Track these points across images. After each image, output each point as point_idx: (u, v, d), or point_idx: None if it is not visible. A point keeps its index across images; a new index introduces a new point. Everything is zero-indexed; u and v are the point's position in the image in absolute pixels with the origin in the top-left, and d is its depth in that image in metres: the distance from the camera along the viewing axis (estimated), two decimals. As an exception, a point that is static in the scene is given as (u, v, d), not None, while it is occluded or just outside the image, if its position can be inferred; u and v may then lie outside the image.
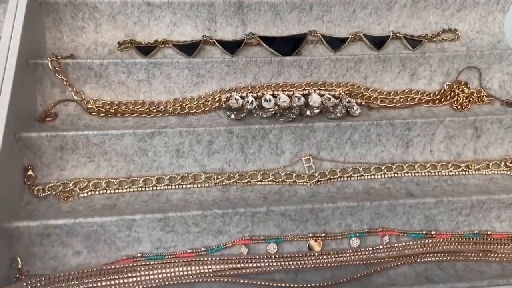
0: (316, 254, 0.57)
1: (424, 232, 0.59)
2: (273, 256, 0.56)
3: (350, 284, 0.53)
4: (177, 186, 0.61)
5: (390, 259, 0.57)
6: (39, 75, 0.63)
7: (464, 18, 0.78)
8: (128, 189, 0.60)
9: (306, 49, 0.74)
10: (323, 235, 0.58)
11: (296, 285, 0.53)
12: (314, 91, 0.68)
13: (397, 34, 0.76)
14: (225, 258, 0.55)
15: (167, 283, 0.53)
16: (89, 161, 0.61)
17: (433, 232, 0.59)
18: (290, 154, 0.64)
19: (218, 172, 0.63)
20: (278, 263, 0.56)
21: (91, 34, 0.70)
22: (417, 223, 0.59)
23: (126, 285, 0.53)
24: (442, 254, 0.57)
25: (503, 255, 0.58)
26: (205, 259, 0.55)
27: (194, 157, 0.62)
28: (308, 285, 0.53)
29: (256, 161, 0.64)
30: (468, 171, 0.65)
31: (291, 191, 0.62)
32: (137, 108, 0.66)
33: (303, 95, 0.67)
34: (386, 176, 0.64)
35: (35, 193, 0.58)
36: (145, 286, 0.53)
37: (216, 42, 0.72)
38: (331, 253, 0.57)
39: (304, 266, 0.55)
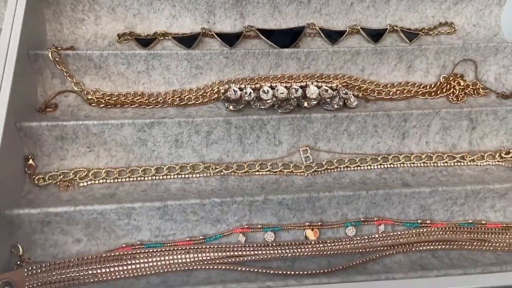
0: (313, 242, 0.58)
1: (419, 221, 0.60)
2: (270, 244, 0.57)
3: (345, 272, 0.54)
4: (176, 176, 0.62)
5: (385, 248, 0.58)
6: (40, 66, 0.64)
7: (460, 11, 0.79)
8: (127, 179, 0.61)
9: (304, 42, 0.75)
10: (319, 224, 0.59)
11: (292, 273, 0.54)
12: (312, 83, 0.69)
13: (394, 27, 0.77)
14: (223, 246, 0.56)
15: (166, 270, 0.54)
16: (89, 151, 0.61)
17: (428, 222, 0.60)
18: (288, 145, 0.65)
19: (216, 162, 0.63)
20: (275, 251, 0.56)
21: (91, 26, 0.71)
22: (412, 213, 0.60)
23: (126, 272, 0.54)
24: (437, 243, 0.58)
25: (497, 244, 0.59)
26: (203, 247, 0.56)
27: (193, 147, 0.63)
28: (305, 272, 0.54)
29: (254, 151, 0.65)
30: (463, 162, 0.66)
31: (289, 181, 0.63)
32: (137, 99, 0.67)
33: (301, 87, 0.68)
34: (382, 166, 0.65)
35: (36, 182, 0.59)
36: (144, 273, 0.54)
37: (215, 35, 0.72)
38: (328, 241, 0.58)
39: (301, 254, 0.56)
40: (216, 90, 0.68)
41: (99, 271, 0.53)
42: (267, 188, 0.61)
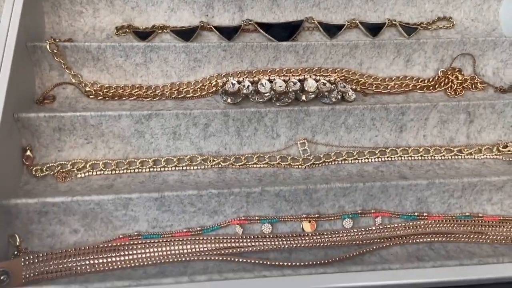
0: (310, 234, 0.58)
1: (416, 213, 0.60)
2: (267, 236, 0.57)
3: (342, 263, 0.54)
4: (173, 168, 0.62)
5: (382, 240, 0.58)
6: (38, 58, 0.64)
7: (459, 6, 0.79)
8: (125, 171, 0.61)
9: (302, 36, 0.75)
10: (316, 216, 0.59)
11: (289, 264, 0.54)
12: (310, 77, 0.69)
13: (393, 22, 0.77)
14: (220, 238, 0.56)
15: (163, 261, 0.54)
16: (87, 143, 0.61)
17: (425, 214, 0.60)
18: (285, 138, 0.65)
19: (214, 155, 0.63)
20: (272, 243, 0.56)
21: (89, 19, 0.71)
22: (409, 205, 0.60)
23: (123, 262, 0.54)
24: (434, 236, 0.58)
25: (494, 237, 0.59)
26: (201, 238, 0.56)
27: (191, 140, 0.63)
28: (301, 263, 0.54)
29: (251, 144, 0.65)
30: (461, 156, 0.66)
31: (286, 174, 0.63)
32: (135, 92, 0.67)
33: (299, 80, 0.68)
34: (379, 160, 0.65)
35: (33, 173, 0.59)
36: (141, 263, 0.54)
37: (213, 28, 0.72)
38: (324, 233, 0.58)
39: (298, 245, 0.56)
40: (214, 83, 0.68)
41: (96, 261, 0.53)
42: (264, 181, 0.61)
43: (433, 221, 0.59)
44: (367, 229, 0.59)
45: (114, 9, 0.71)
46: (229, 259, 0.55)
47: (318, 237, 0.57)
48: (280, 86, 0.67)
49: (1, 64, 0.58)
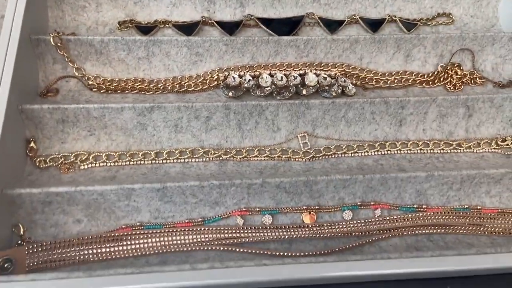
0: (310, 225, 0.58)
1: (415, 206, 0.60)
2: (268, 227, 0.58)
3: (342, 254, 0.55)
4: (175, 160, 0.63)
5: (381, 231, 0.58)
6: (41, 51, 0.65)
7: (458, 2, 0.79)
8: (127, 162, 0.62)
9: (303, 31, 0.76)
10: (316, 207, 0.59)
11: (290, 254, 0.54)
12: (311, 71, 0.69)
13: (393, 17, 0.77)
14: (222, 229, 0.57)
15: (165, 251, 0.55)
16: (90, 135, 0.62)
17: (424, 206, 0.60)
18: (286, 131, 0.66)
19: (215, 148, 0.64)
20: (273, 234, 0.57)
21: (92, 13, 0.72)
22: (409, 197, 0.61)
23: (125, 252, 0.54)
24: (433, 227, 0.59)
25: (492, 229, 0.60)
26: (202, 229, 0.57)
27: (192, 133, 0.64)
28: (302, 254, 0.54)
29: (252, 137, 0.65)
30: (460, 149, 0.66)
31: (287, 167, 0.63)
32: (137, 85, 0.68)
33: (300, 74, 0.69)
34: (379, 153, 0.66)
35: (37, 164, 0.60)
36: (143, 253, 0.55)
37: (215, 23, 0.73)
38: (324, 224, 0.58)
39: (298, 236, 0.57)
40: (215, 77, 0.69)
41: (99, 250, 0.54)
42: (265, 173, 0.62)
43: (432, 213, 0.60)
44: (366, 220, 0.59)
45: (117, 4, 0.72)
46: (230, 249, 0.55)
47: (318, 228, 0.58)
48: (281, 80, 0.68)
49: (6, 56, 0.59)
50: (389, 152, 0.66)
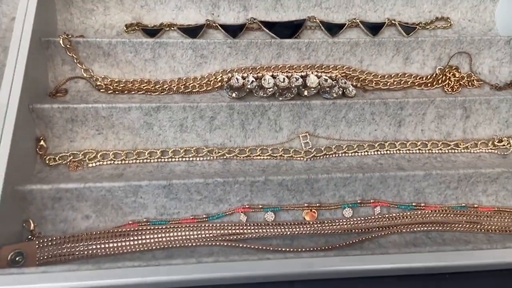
0: (311, 222, 0.60)
1: (413, 204, 0.62)
2: (270, 224, 0.59)
3: (342, 250, 0.56)
4: (180, 159, 0.64)
5: (380, 228, 0.60)
6: (51, 53, 0.67)
7: (456, 7, 0.81)
8: (134, 161, 0.64)
9: (304, 34, 0.78)
10: (317, 205, 0.61)
11: (291, 250, 0.56)
12: (312, 73, 0.71)
13: (392, 21, 0.79)
14: (225, 225, 0.59)
15: (170, 246, 0.57)
16: (98, 134, 0.64)
17: (422, 204, 0.62)
18: (288, 131, 0.68)
19: (219, 147, 0.66)
20: (275, 230, 0.59)
21: (100, 17, 0.74)
22: (407, 195, 0.62)
23: (132, 246, 0.56)
24: (431, 225, 0.61)
25: (488, 227, 0.61)
26: (207, 225, 0.58)
27: (197, 132, 0.66)
28: (303, 249, 0.56)
29: (255, 137, 0.67)
30: (457, 150, 0.68)
31: (288, 165, 0.65)
32: (143, 86, 0.69)
33: (301, 76, 0.71)
34: (379, 153, 0.67)
35: (46, 162, 0.61)
36: (150, 248, 0.56)
37: (219, 26, 0.75)
38: (325, 221, 0.60)
39: (300, 233, 0.59)
40: (219, 78, 0.71)
41: (107, 245, 0.56)
42: (268, 171, 0.64)
43: (430, 211, 0.62)
44: (366, 218, 0.61)
45: (124, 8, 0.74)
46: (233, 245, 0.57)
47: (319, 225, 0.60)
48: (283, 82, 0.69)
49: (17, 57, 0.61)
50: (388, 152, 0.68)
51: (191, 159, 0.65)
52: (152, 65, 0.70)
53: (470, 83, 0.75)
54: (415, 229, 0.60)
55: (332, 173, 0.60)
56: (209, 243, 0.57)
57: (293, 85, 0.69)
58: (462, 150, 0.68)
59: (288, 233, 0.59)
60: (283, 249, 0.56)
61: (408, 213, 0.62)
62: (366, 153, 0.67)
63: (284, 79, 0.70)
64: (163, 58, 0.70)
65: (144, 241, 0.57)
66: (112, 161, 0.63)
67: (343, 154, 0.67)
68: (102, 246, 0.55)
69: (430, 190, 0.62)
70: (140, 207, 0.59)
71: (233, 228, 0.59)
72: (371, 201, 0.62)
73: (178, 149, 0.65)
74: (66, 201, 0.57)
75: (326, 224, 0.60)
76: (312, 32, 0.78)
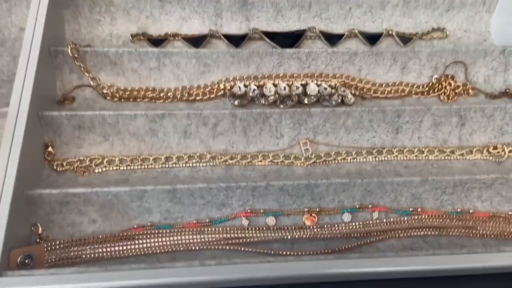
0: (311, 227, 0.62)
1: (410, 209, 0.64)
2: (271, 228, 0.61)
3: (341, 254, 0.58)
4: (184, 165, 0.66)
5: (379, 233, 0.62)
6: (59, 62, 0.69)
7: (452, 18, 0.84)
8: (139, 166, 0.65)
9: (305, 44, 0.80)
10: (317, 210, 0.63)
11: (292, 253, 0.58)
12: (312, 82, 0.74)
13: (390, 32, 0.82)
14: (228, 229, 0.60)
15: (174, 249, 0.58)
16: (104, 140, 0.66)
17: (419, 210, 0.64)
18: (289, 138, 0.70)
19: (222, 153, 0.68)
20: (276, 234, 0.61)
21: (106, 27, 0.76)
22: (404, 201, 0.64)
23: (137, 250, 0.58)
24: (427, 230, 0.62)
25: (484, 231, 0.63)
26: (209, 229, 0.60)
27: (200, 138, 0.68)
28: (303, 253, 0.58)
29: (257, 143, 0.69)
30: (453, 156, 0.70)
31: (289, 171, 0.67)
32: (148, 94, 0.72)
33: (302, 85, 0.73)
34: (377, 159, 0.69)
35: (54, 167, 0.63)
36: (154, 251, 0.58)
37: (221, 36, 0.78)
38: (325, 226, 0.62)
39: (300, 237, 0.60)
40: (222, 87, 0.73)
41: (112, 249, 0.57)
42: (269, 177, 0.65)
43: (426, 216, 0.63)
44: (365, 222, 0.63)
45: (130, 18, 0.77)
46: (236, 248, 0.59)
47: (319, 229, 0.62)
48: (284, 90, 0.72)
49: (27, 66, 0.63)
50: (386, 158, 0.69)
51: (194, 164, 0.66)
52: (157, 74, 0.72)
53: (465, 92, 0.77)
54: (412, 234, 0.62)
55: (331, 178, 0.62)
56: (212, 247, 0.59)
57: (293, 93, 0.71)
58: (458, 157, 0.70)
59: (289, 237, 0.60)
60: (284, 253, 0.58)
61: (405, 218, 0.63)
62: (364, 159, 0.69)
63: (285, 87, 0.72)
64: (167, 67, 0.72)
65: (148, 244, 0.58)
66: (118, 167, 0.65)
67: (342, 160, 0.69)
68: (108, 249, 0.57)
69: (427, 196, 0.64)
70: (145, 211, 0.60)
71: (235, 232, 0.60)
72: (370, 206, 0.64)
73: (182, 155, 0.67)
74: (73, 205, 0.59)
75: (326, 229, 0.62)
76: (312, 42, 0.81)
